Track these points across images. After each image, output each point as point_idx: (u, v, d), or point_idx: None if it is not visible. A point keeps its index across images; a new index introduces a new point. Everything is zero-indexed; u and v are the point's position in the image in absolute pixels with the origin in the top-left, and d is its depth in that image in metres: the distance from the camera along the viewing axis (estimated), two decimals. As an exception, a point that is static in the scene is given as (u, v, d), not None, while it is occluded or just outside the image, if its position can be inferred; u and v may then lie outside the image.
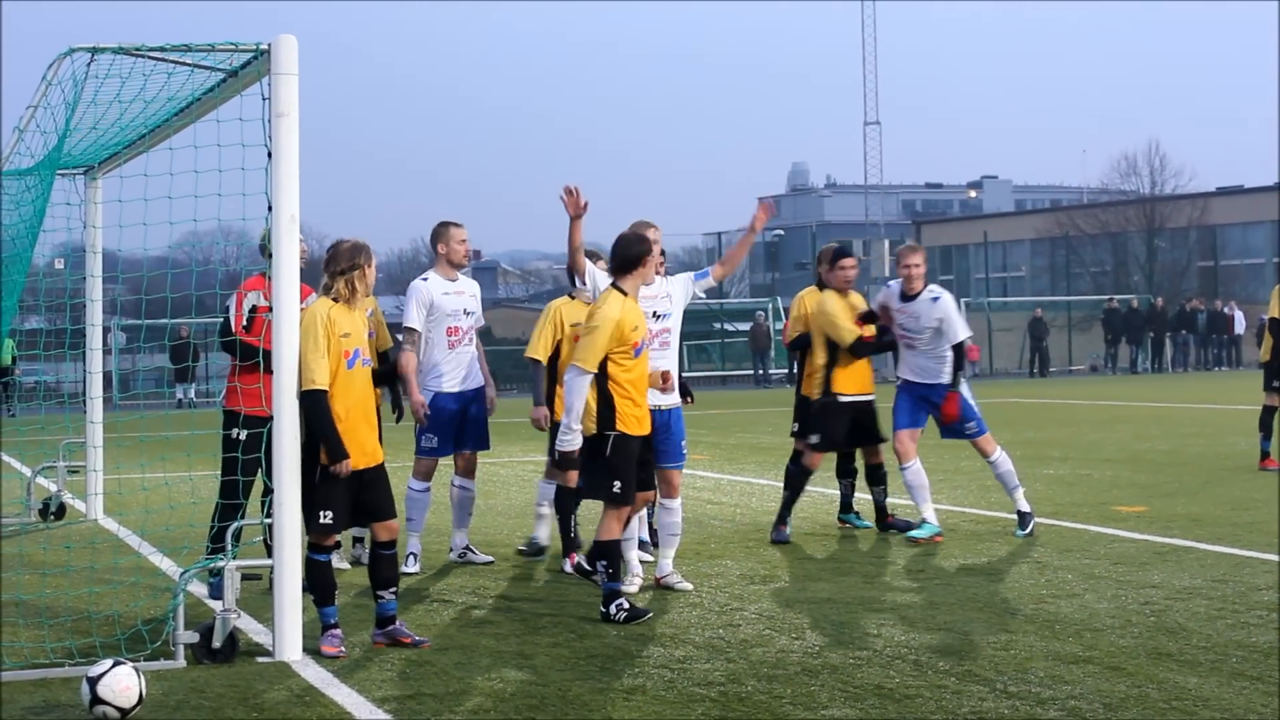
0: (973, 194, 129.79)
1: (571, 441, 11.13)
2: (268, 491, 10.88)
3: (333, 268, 10.43)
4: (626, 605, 11.09)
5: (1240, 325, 64.06)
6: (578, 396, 11.07)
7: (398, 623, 10.48)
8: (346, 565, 13.18)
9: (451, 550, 13.84)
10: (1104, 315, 63.76)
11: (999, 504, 17.27)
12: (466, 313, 13.43)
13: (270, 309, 11.35)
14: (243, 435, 11.73)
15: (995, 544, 14.28)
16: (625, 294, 11.38)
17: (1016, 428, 29.70)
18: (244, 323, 12.27)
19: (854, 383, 15.02)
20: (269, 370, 11.69)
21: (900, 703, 8.54)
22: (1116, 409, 35.35)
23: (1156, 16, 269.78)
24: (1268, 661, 9.30)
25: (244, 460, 11.30)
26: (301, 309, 10.37)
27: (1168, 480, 19.45)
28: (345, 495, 10.27)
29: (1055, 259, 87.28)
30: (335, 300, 10.39)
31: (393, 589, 10.49)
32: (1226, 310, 64.37)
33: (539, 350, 13.46)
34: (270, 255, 11.74)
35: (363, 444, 10.33)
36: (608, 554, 11.24)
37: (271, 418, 10.98)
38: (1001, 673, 9.18)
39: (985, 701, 8.52)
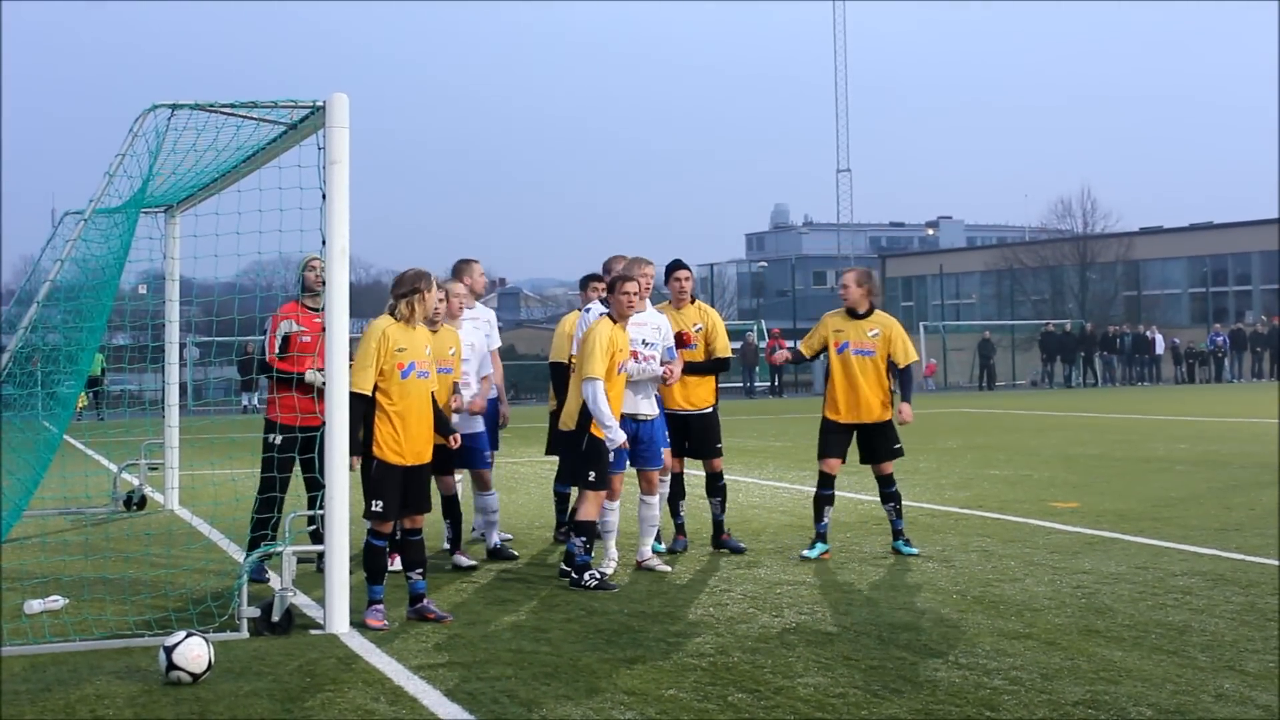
0: (930, 232, 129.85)
1: (616, 438, 11.50)
2: (311, 487, 10.94)
3: (396, 291, 10.59)
4: (598, 575, 11.48)
5: (1160, 347, 64.03)
6: (604, 401, 11.38)
7: (426, 600, 10.48)
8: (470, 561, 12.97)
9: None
10: (1041, 337, 63.73)
11: (952, 500, 17.26)
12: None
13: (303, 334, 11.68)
14: (277, 440, 12.08)
15: (948, 535, 14.24)
16: (614, 321, 11.78)
17: (967, 434, 29.67)
18: (276, 349, 12.30)
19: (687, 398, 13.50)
20: (300, 389, 11.85)
21: (866, 672, 8.51)
22: (1053, 418, 35.31)
23: (1090, 74, 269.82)
24: (1182, 637, 9.27)
25: (279, 459, 11.99)
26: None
27: (1097, 480, 19.41)
28: (395, 487, 10.28)
29: (1001, 288, 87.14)
30: (396, 319, 10.44)
31: (420, 570, 10.52)
32: (1148, 334, 64.32)
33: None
34: (301, 284, 12.19)
35: (414, 444, 10.37)
36: (584, 531, 11.64)
37: (305, 427, 11.13)
38: (953, 647, 9.15)
39: (939, 671, 8.49)
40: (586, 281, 13.82)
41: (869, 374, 13.05)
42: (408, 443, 10.35)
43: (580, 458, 11.66)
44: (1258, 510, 15.74)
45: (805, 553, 12.95)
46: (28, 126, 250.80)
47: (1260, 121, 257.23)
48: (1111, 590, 11.02)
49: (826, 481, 13.09)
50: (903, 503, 13.44)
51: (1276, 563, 12.16)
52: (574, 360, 13.23)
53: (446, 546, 13.24)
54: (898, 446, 13.23)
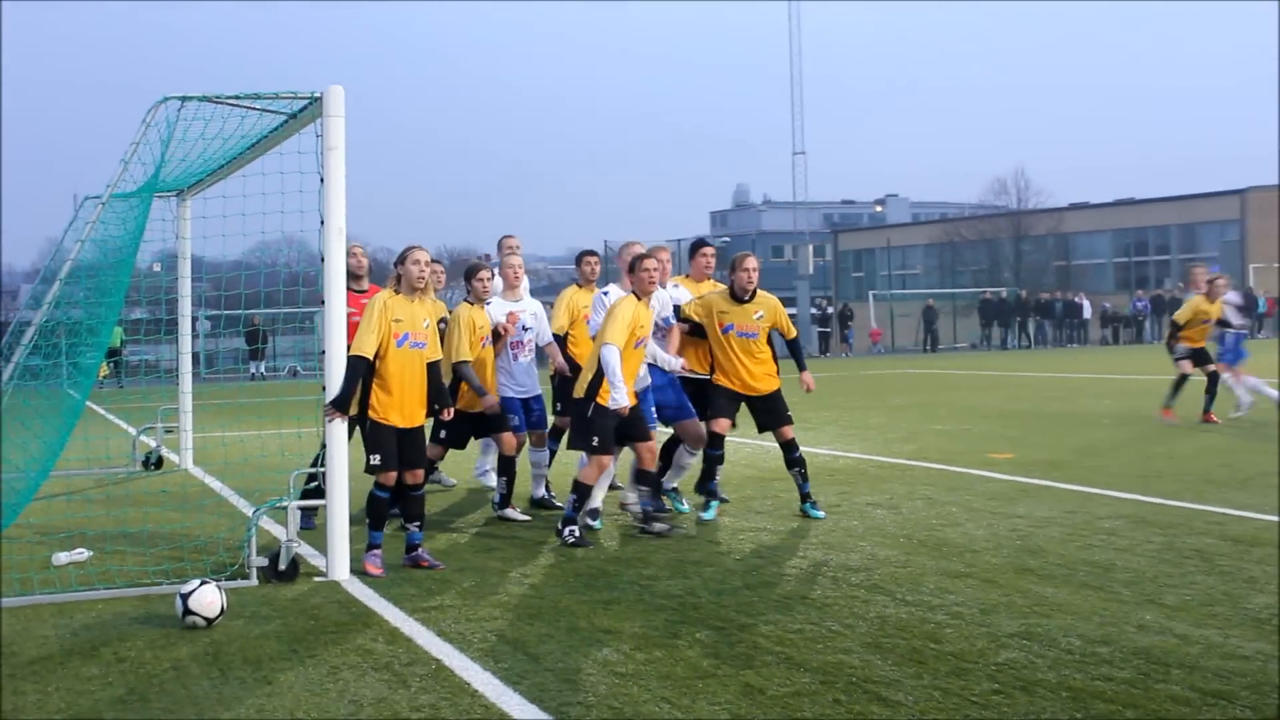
0: (879, 208, 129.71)
1: (621, 400, 11.06)
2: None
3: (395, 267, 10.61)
4: (577, 533, 11.19)
5: (1087, 312, 64.26)
6: (619, 364, 11.07)
7: (420, 549, 10.47)
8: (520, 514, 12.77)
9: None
10: (980, 304, 63.93)
11: (899, 453, 17.31)
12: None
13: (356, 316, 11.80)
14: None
15: (896, 484, 14.29)
16: (639, 298, 11.46)
17: (913, 393, 29.74)
18: None
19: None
20: None
21: (821, 609, 8.54)
22: (991, 378, 35.39)
23: (1020, 61, 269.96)
24: (1107, 575, 9.32)
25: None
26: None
27: (1031, 433, 19.48)
28: (390, 442, 10.25)
29: (943, 260, 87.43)
30: (396, 291, 10.46)
31: (417, 522, 10.50)
32: (1077, 300, 64.52)
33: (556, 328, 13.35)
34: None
35: (404, 407, 10.31)
36: (580, 492, 11.35)
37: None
38: (900, 585, 9.19)
39: (888, 609, 8.52)
40: (581, 257, 13.74)
41: (753, 352, 12.44)
42: (401, 407, 10.30)
43: (585, 423, 11.30)
44: (1175, 459, 15.82)
45: (702, 515, 12.41)
46: (51, 120, 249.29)
47: (1177, 107, 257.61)
48: (1043, 533, 11.07)
49: (717, 441, 12.51)
50: (808, 467, 12.71)
51: (1192, 505, 12.22)
52: (571, 334, 13.22)
53: (496, 500, 12.81)
54: (789, 414, 12.55)
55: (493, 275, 12.55)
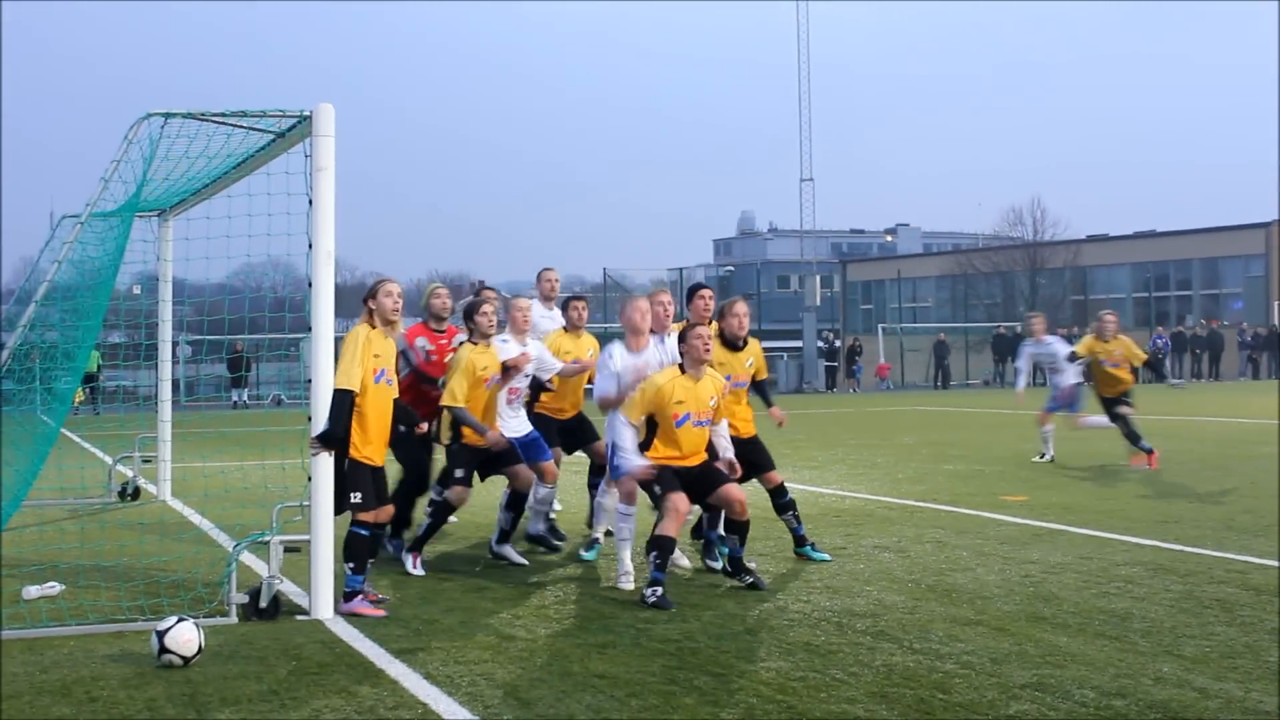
0: (889, 238, 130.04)
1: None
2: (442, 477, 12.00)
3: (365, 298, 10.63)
4: (660, 593, 10.36)
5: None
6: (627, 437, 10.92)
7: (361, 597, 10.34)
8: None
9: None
10: (993, 339, 63.93)
11: (908, 493, 17.30)
12: None
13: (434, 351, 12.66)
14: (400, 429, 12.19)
15: (904, 527, 14.28)
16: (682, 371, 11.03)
17: (922, 431, 29.74)
18: (422, 359, 12.77)
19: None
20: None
21: (825, 656, 8.53)
22: (1004, 416, 35.38)
23: (1038, 89, 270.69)
24: (1124, 624, 9.31)
25: (420, 442, 12.16)
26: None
27: (1045, 475, 19.48)
28: (368, 481, 10.30)
29: (955, 293, 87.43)
30: (371, 326, 10.48)
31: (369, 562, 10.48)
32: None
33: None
34: (428, 310, 12.99)
35: (376, 445, 10.41)
36: (661, 546, 10.59)
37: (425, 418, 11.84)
38: (908, 632, 9.18)
39: (894, 656, 8.51)
40: (567, 303, 13.72)
41: (741, 401, 12.21)
42: (371, 444, 10.38)
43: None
44: (1195, 504, 15.81)
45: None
46: (27, 133, 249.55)
47: (1201, 136, 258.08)
48: (1057, 579, 11.06)
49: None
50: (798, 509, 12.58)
51: (1213, 553, 12.22)
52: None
53: (494, 539, 12.60)
54: (770, 457, 12.38)
55: (496, 309, 12.50)
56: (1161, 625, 9.29)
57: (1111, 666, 8.17)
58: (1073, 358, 21.51)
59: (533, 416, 12.97)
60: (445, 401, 11.84)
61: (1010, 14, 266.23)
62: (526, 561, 12.37)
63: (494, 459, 12.08)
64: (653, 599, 10.29)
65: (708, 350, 10.95)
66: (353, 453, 10.23)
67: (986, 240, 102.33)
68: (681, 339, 11.10)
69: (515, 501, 12.38)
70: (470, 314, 12.14)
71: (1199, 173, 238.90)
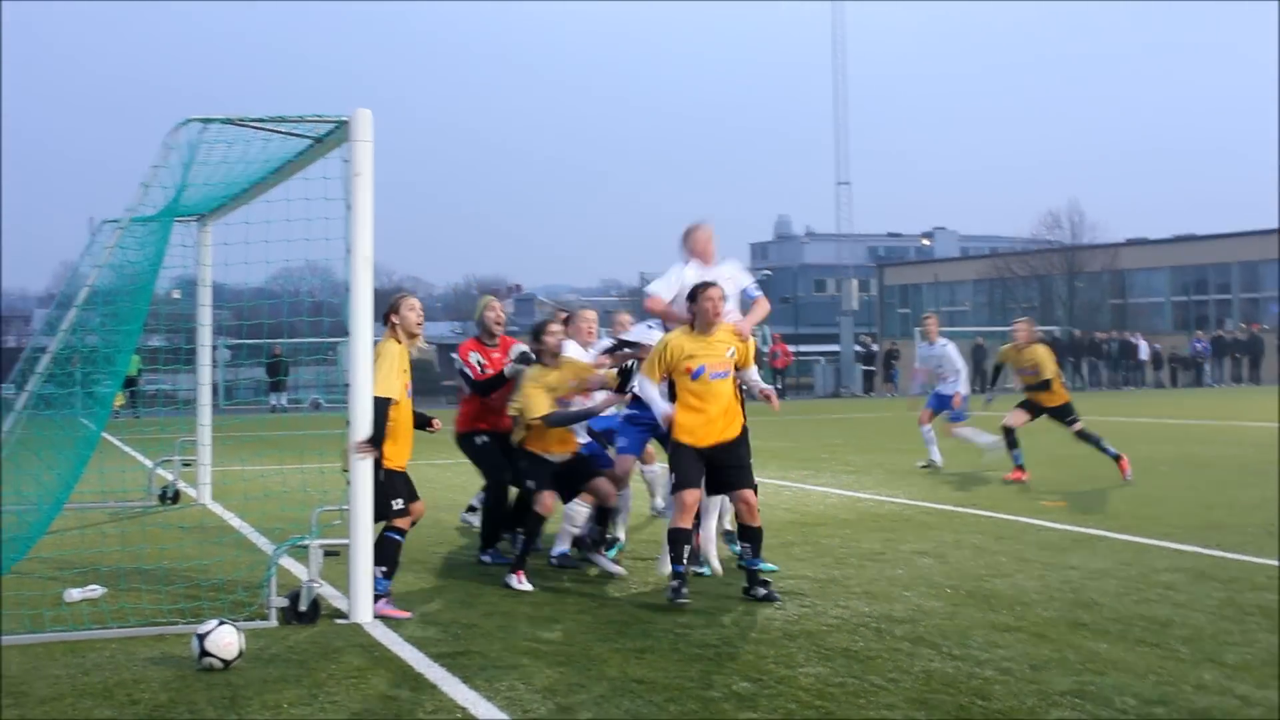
0: (926, 242, 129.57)
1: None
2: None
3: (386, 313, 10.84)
4: (675, 587, 10.48)
5: (1144, 352, 64.01)
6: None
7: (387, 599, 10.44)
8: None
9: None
10: (1033, 343, 63.67)
11: (947, 498, 17.25)
12: None
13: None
14: (485, 440, 12.76)
15: (943, 532, 14.22)
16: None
17: (960, 435, 29.62)
18: (479, 372, 12.85)
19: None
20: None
21: (864, 663, 8.50)
22: (1042, 422, 35.17)
23: (1076, 92, 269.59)
24: (1165, 631, 9.25)
25: (495, 450, 12.64)
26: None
27: (1085, 480, 19.38)
28: (405, 487, 10.49)
29: (993, 297, 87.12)
30: (396, 340, 10.70)
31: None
32: (1133, 340, 64.30)
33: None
34: (481, 324, 13.15)
35: (404, 455, 10.65)
36: (672, 541, 10.72)
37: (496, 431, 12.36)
38: (947, 638, 9.14)
39: (933, 662, 8.48)
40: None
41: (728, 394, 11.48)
42: (404, 453, 10.64)
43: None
44: (1237, 509, 15.71)
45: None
46: (69, 140, 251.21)
47: (1240, 138, 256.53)
48: (1098, 585, 11.00)
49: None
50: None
51: (1255, 559, 12.13)
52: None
53: (559, 549, 12.46)
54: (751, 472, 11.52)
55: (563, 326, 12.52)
56: (1203, 632, 9.23)
57: (1152, 674, 8.11)
58: (997, 371, 21.09)
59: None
60: (534, 417, 11.64)
61: (1051, 12, 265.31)
62: (624, 570, 12.13)
63: (573, 476, 11.98)
64: (669, 595, 10.43)
65: (717, 313, 10.91)
66: (388, 463, 10.32)
67: (1024, 244, 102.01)
68: (692, 298, 11.02)
69: (600, 514, 12.56)
70: (538, 334, 12.04)
71: (1239, 175, 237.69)
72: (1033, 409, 19.96)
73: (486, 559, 12.71)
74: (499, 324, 13.11)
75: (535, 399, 11.71)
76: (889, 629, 9.49)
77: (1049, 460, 22.68)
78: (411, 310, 10.75)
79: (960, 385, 21.77)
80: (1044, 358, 19.91)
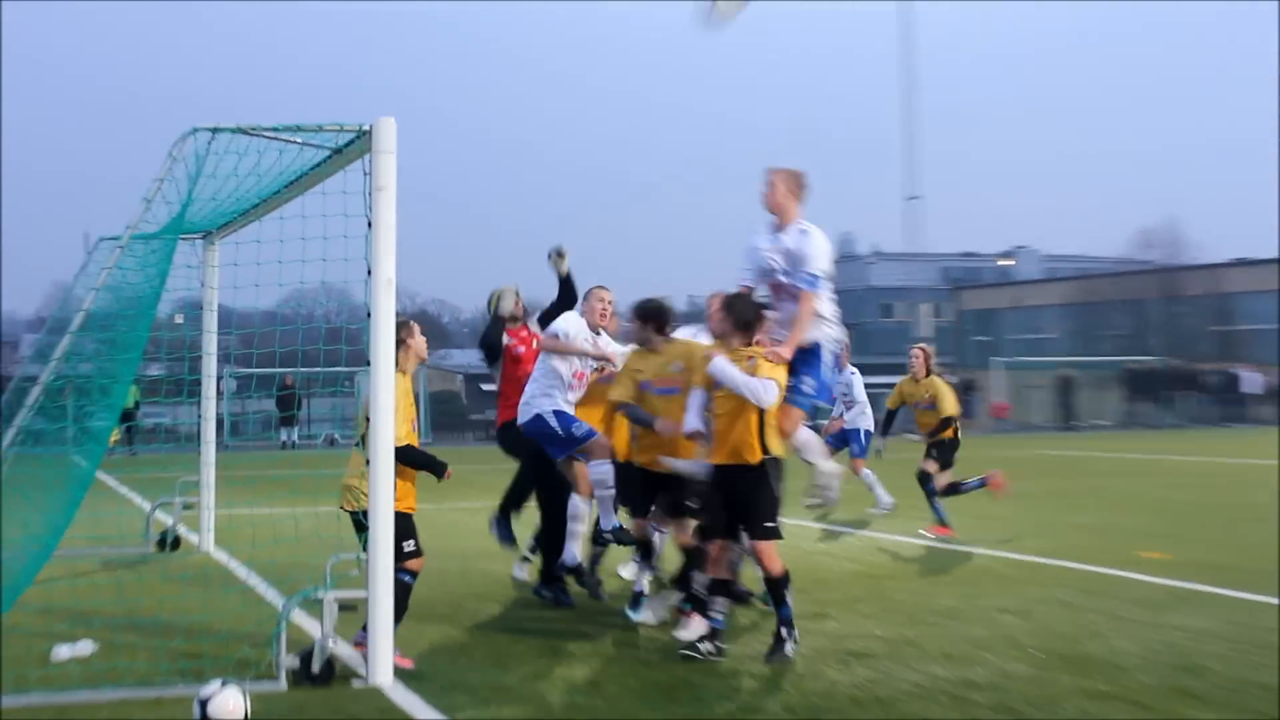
0: (1006, 262, 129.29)
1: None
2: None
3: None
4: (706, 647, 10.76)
5: (1250, 385, 63.64)
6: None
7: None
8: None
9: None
10: (1125, 375, 63.45)
11: (1031, 548, 17.13)
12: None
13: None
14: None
15: (1028, 586, 14.12)
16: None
17: (1045, 478, 29.49)
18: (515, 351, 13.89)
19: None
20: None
21: (941, 734, 8.42)
22: (1138, 461, 35.08)
23: (1175, 95, 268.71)
24: (1282, 701, 9.15)
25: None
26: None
27: (1188, 529, 19.24)
28: (415, 529, 10.77)
29: (1081, 323, 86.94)
30: (404, 371, 10.82)
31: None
32: (1238, 372, 63.97)
33: None
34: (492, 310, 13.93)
35: (409, 496, 10.78)
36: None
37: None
38: (1033, 706, 9.05)
39: (1020, 734, 8.39)
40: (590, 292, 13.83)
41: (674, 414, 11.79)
42: (412, 493, 10.80)
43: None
44: (1359, 563, 15.54)
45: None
46: (62, 149, 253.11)
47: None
48: (1203, 648, 10.88)
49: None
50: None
51: (1381, 620, 12.00)
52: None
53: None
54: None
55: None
56: (1324, 702, 9.12)
57: (1268, 749, 8.01)
58: (891, 415, 20.74)
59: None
60: (622, 398, 12.29)
61: (1140, 15, 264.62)
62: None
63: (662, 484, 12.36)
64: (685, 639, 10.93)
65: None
66: (398, 505, 10.34)
67: (1115, 264, 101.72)
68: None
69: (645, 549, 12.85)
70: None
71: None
72: (941, 452, 19.40)
73: (545, 596, 13.21)
74: (516, 317, 13.97)
75: (620, 380, 12.36)
76: (968, 695, 9.41)
77: (1147, 506, 22.54)
78: (422, 335, 11.12)
79: (858, 418, 21.68)
80: (943, 391, 19.39)
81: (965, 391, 60.52)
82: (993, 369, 67.38)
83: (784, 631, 10.80)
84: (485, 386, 65.05)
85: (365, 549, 10.08)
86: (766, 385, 10.66)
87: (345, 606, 10.17)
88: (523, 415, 12.76)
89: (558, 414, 12.58)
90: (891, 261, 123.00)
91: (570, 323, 12.85)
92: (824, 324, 11.40)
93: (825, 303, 11.45)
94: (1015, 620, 12.26)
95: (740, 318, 10.98)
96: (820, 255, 11.42)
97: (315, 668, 9.85)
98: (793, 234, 11.60)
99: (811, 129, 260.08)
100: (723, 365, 10.79)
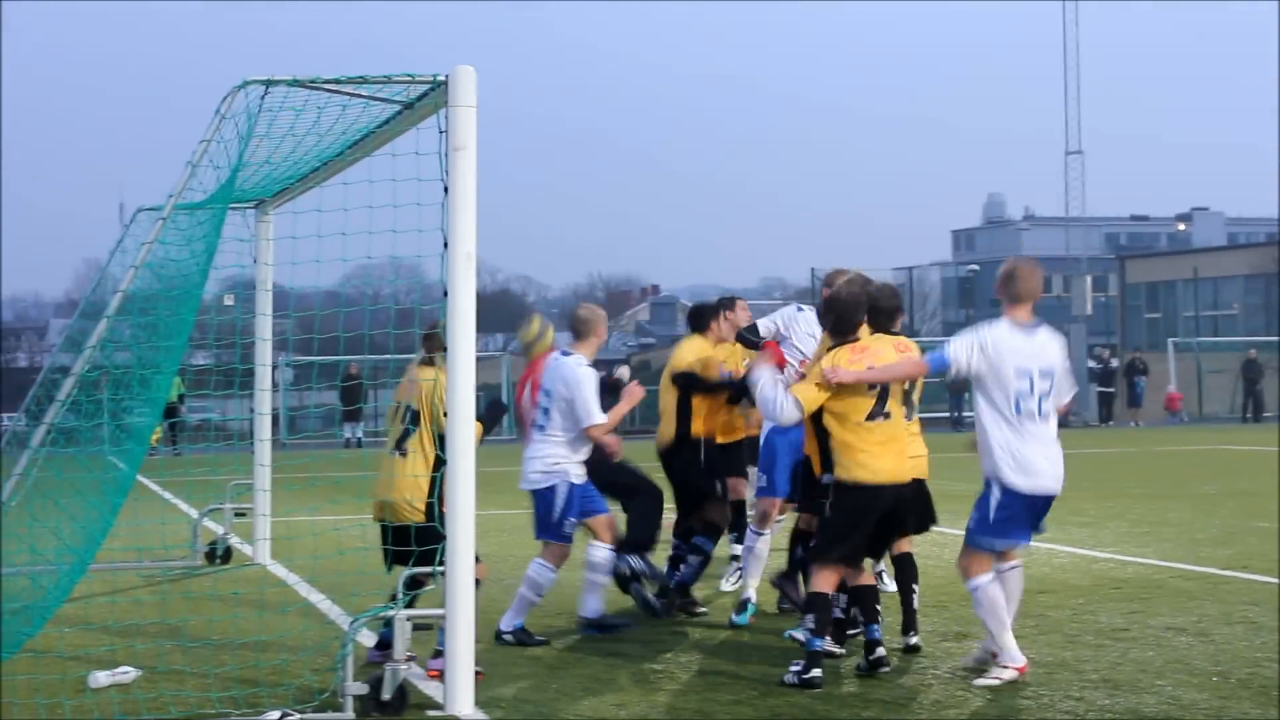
0: (1181, 227, 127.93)
1: None
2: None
3: (434, 346, 11.07)
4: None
5: None
6: None
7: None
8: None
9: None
10: (1322, 358, 62.50)
11: (1210, 559, 17.00)
12: None
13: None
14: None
15: (1205, 601, 14.02)
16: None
17: (1228, 477, 29.23)
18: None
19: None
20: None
21: (1104, 772, 8.42)
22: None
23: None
24: None
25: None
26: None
27: (1393, 535, 18.99)
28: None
29: (1270, 296, 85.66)
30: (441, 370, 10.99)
31: None
32: None
33: None
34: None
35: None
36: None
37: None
38: (1213, 741, 9.02)
39: (1196, 772, 8.38)
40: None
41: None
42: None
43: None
44: None
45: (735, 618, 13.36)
46: (91, 106, 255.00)
47: None
48: None
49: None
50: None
51: None
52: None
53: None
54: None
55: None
56: None
57: None
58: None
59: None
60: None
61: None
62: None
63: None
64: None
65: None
66: (445, 508, 10.43)
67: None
68: None
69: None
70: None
71: None
72: None
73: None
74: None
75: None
76: (1137, 729, 9.39)
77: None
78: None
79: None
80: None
81: (1132, 378, 59.99)
82: (1166, 351, 66.69)
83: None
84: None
85: (441, 560, 10.15)
86: (782, 402, 10.95)
87: (420, 626, 10.25)
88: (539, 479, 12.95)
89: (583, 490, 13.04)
90: (1047, 227, 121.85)
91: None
92: None
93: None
94: (1191, 641, 12.19)
95: (835, 315, 11.30)
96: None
97: (385, 695, 9.92)
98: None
99: (953, 73, 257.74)
100: (757, 373, 11.37)
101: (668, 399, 13.74)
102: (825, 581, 10.91)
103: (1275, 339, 69.19)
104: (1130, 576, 15.84)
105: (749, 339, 13.49)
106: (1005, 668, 10.63)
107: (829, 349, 11.10)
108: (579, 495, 12.69)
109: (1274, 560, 16.82)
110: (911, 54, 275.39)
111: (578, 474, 12.67)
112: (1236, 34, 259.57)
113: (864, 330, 11.27)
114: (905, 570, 12.25)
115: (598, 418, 12.45)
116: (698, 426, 13.63)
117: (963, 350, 10.77)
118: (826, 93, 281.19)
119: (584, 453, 12.71)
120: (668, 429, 13.73)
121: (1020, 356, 10.72)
